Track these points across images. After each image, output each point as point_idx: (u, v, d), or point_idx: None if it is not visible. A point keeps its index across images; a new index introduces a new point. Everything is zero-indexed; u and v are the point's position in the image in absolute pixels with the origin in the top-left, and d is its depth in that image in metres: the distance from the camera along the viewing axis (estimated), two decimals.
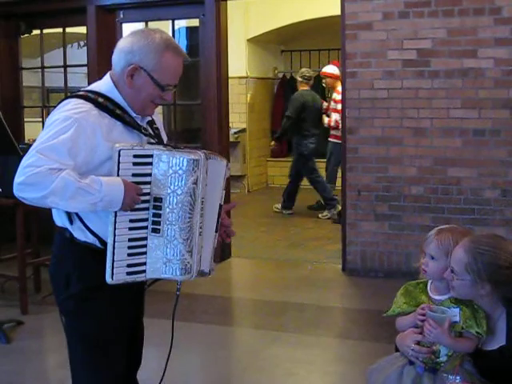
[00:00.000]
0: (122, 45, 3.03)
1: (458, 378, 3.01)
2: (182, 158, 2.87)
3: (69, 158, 2.78)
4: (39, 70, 9.37)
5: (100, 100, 2.96)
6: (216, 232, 3.17)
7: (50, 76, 10.13)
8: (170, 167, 2.87)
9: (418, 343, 3.10)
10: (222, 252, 7.95)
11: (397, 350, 3.26)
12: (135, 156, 2.88)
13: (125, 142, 2.91)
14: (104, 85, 3.07)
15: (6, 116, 6.17)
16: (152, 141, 3.07)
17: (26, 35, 9.20)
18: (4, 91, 9.09)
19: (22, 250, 6.33)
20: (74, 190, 2.74)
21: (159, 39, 2.99)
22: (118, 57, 3.02)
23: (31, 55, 10.70)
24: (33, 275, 6.86)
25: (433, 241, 3.18)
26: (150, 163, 2.90)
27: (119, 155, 2.83)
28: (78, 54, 10.99)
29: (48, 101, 10.41)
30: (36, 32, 9.18)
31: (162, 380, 3.28)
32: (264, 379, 5.03)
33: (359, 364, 5.01)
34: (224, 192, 3.19)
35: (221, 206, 3.17)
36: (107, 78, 3.09)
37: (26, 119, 9.39)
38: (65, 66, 9.00)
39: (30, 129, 9.17)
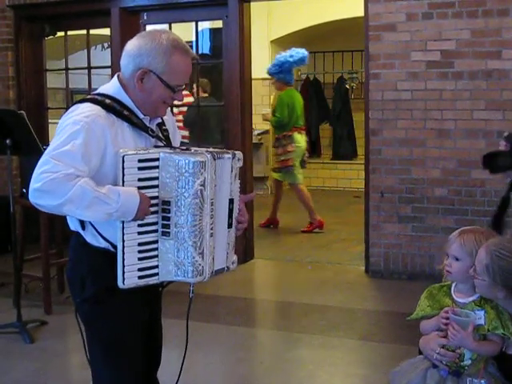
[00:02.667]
0: (129, 48, 3.03)
1: (482, 382, 2.99)
2: (187, 161, 2.84)
3: (83, 164, 2.78)
4: (63, 71, 9.42)
5: (107, 101, 2.96)
6: (230, 228, 3.13)
7: (74, 77, 10.17)
8: (177, 170, 2.85)
9: (443, 347, 3.08)
10: (245, 253, 7.96)
11: (420, 352, 3.25)
12: (140, 161, 2.86)
13: (132, 145, 2.93)
14: (111, 87, 3.07)
15: (30, 117, 6.21)
16: (159, 143, 3.07)
17: (50, 37, 9.27)
18: (29, 93, 9.15)
19: (46, 251, 6.37)
20: (91, 199, 2.74)
21: (166, 40, 2.98)
22: (127, 61, 3.02)
23: (55, 57, 10.75)
24: (56, 275, 6.89)
25: (455, 241, 3.15)
26: (157, 167, 2.89)
27: (123, 161, 2.82)
28: (102, 56, 11.08)
29: (72, 102, 10.45)
30: (60, 34, 9.23)
31: (178, 381, 3.28)
32: (286, 381, 5.02)
33: (382, 366, 4.99)
34: (236, 184, 3.14)
35: (231, 200, 3.11)
36: (114, 80, 3.09)
37: (50, 120, 9.44)
38: (89, 68, 9.06)
39: (54, 130, 9.20)
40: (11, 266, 6.26)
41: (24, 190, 6.36)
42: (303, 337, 5.80)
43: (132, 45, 3.03)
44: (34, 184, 2.74)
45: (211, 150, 3.02)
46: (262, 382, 5.11)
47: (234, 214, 3.15)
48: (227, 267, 3.15)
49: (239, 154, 3.16)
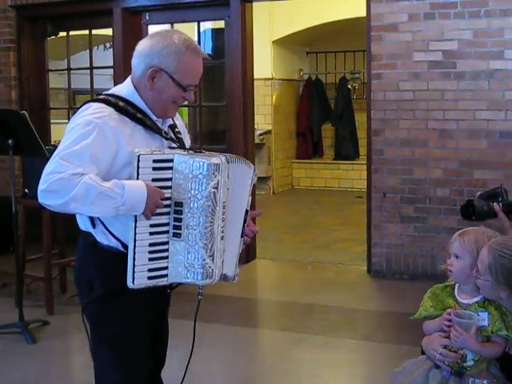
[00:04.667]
0: (141, 48, 3.03)
1: (484, 382, 2.98)
2: (202, 163, 2.83)
3: (91, 164, 2.78)
4: (65, 71, 9.43)
5: (121, 104, 2.96)
6: (242, 237, 3.17)
7: (76, 78, 10.17)
8: (191, 171, 2.84)
9: (445, 347, 3.08)
10: (247, 254, 7.95)
11: (423, 352, 3.24)
12: (155, 161, 2.85)
13: (145, 147, 2.90)
14: (125, 89, 3.07)
15: (32, 117, 6.21)
16: (173, 145, 3.06)
17: (52, 37, 9.26)
18: (31, 93, 9.16)
19: (49, 251, 6.37)
20: (96, 194, 2.73)
21: (178, 40, 2.99)
22: (138, 60, 3.02)
23: (58, 57, 10.75)
24: (59, 276, 6.90)
25: (456, 240, 3.18)
26: (171, 168, 2.87)
27: (138, 160, 2.81)
28: (104, 56, 11.06)
29: (74, 102, 10.48)
30: (62, 34, 9.24)
31: (182, 381, 3.28)
32: (288, 381, 5.02)
33: (384, 366, 4.98)
34: (250, 198, 3.18)
35: (247, 211, 3.16)
36: (128, 81, 3.09)
37: (52, 120, 9.45)
38: (91, 68, 9.06)
39: (57, 130, 9.21)
40: (13, 266, 6.26)
41: (26, 191, 6.37)
42: (305, 337, 5.80)
43: (143, 44, 3.03)
44: (41, 185, 2.75)
45: (229, 155, 3.01)
46: (263, 382, 5.11)
47: (245, 225, 3.18)
48: (233, 277, 3.16)
49: (255, 169, 3.21)
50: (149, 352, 3.17)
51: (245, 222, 3.17)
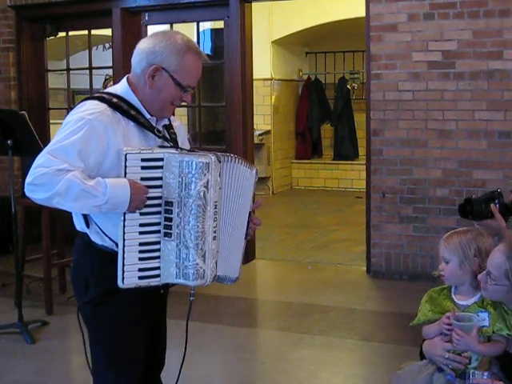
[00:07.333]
0: (143, 46, 3.03)
1: (485, 374, 2.97)
2: (191, 161, 2.82)
3: (78, 160, 2.79)
4: (65, 71, 9.43)
5: (114, 100, 2.97)
6: (245, 239, 3.18)
7: (76, 78, 10.18)
8: (181, 171, 2.83)
9: (448, 351, 3.08)
10: (246, 254, 7.92)
11: (422, 355, 3.24)
12: (143, 160, 2.84)
13: (137, 145, 2.92)
14: (120, 87, 3.08)
15: (31, 117, 6.21)
16: (166, 144, 3.05)
17: (51, 37, 9.26)
18: (30, 93, 9.15)
19: (48, 251, 6.36)
20: (78, 191, 2.74)
21: (181, 40, 3.00)
22: (139, 58, 3.02)
23: (57, 57, 10.75)
24: (58, 276, 6.89)
25: (441, 245, 3.25)
26: (161, 167, 2.87)
27: (126, 159, 2.81)
28: (104, 56, 11.07)
29: (73, 102, 10.44)
30: (62, 34, 9.23)
31: (177, 382, 3.27)
32: (288, 381, 5.02)
33: (383, 366, 5.00)
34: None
35: (250, 213, 3.16)
36: (123, 80, 3.10)
37: (51, 121, 9.44)
38: (90, 68, 9.05)
39: (56, 130, 9.18)
40: (12, 267, 6.26)
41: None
42: (304, 337, 5.80)
43: (146, 43, 3.04)
44: (28, 178, 2.78)
45: (224, 154, 3.00)
46: (263, 382, 5.10)
47: (249, 226, 3.19)
48: (235, 278, 3.16)
49: (257, 171, 3.21)
50: (144, 353, 3.16)
51: (248, 223, 3.17)
